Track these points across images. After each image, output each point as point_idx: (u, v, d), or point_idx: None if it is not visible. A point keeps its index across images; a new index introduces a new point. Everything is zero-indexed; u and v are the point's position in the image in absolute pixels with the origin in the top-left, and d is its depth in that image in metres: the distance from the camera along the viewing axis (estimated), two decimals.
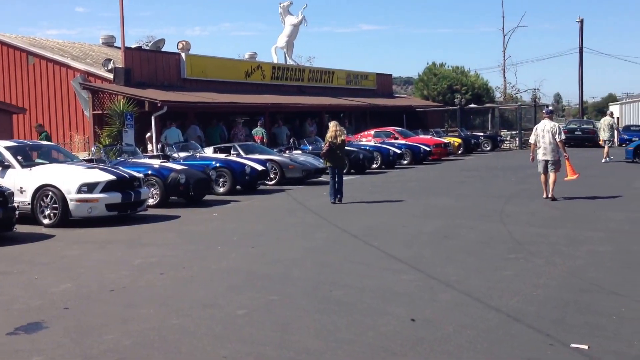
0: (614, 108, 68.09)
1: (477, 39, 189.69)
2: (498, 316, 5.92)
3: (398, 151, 24.78)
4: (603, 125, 25.86)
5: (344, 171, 14.92)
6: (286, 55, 34.60)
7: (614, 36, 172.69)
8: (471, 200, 14.26)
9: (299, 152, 21.30)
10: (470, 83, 46.28)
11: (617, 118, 60.45)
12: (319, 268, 8.00)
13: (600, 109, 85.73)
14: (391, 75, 44.20)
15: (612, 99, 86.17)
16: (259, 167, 16.94)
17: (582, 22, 44.87)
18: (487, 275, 7.43)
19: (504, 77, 49.38)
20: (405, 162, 25.20)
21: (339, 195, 14.22)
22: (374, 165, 23.13)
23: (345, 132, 14.97)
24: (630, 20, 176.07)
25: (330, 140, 14.13)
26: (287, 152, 20.82)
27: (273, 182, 18.33)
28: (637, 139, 37.89)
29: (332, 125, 14.35)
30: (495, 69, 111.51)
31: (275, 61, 33.73)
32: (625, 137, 38.76)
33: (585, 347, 5.06)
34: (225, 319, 5.98)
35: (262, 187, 17.60)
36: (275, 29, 54.25)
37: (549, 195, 13.50)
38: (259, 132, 24.54)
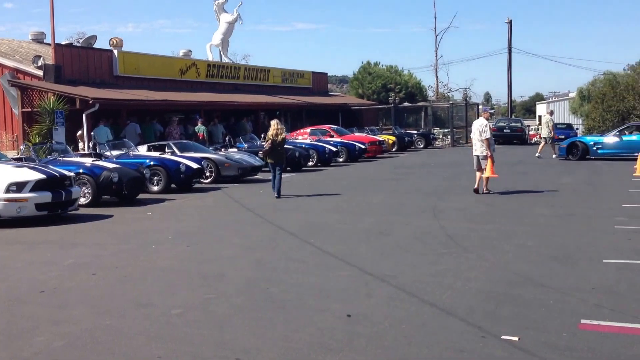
0: (540, 107, 70.20)
1: (410, 38, 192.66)
2: (432, 310, 6.03)
3: (334, 149, 24.96)
4: (543, 123, 26.69)
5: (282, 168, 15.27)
6: (221, 53, 34.31)
7: (541, 37, 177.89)
8: (405, 196, 14.49)
9: (235, 150, 21.17)
10: (404, 82, 46.93)
11: (541, 116, 62.24)
12: (255, 266, 7.98)
13: (528, 108, 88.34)
14: (326, 73, 44.44)
15: (539, 98, 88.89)
16: (194, 165, 16.75)
17: (510, 23, 46.14)
18: (421, 270, 7.56)
19: (436, 77, 50.34)
20: (340, 159, 25.39)
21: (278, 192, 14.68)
22: (310, 163, 23.22)
23: (285, 130, 15.40)
24: (556, 21, 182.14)
25: (272, 137, 14.60)
26: (222, 150, 20.66)
27: (209, 180, 18.17)
28: (564, 136, 39.30)
29: (274, 123, 14.83)
30: (428, 69, 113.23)
31: (210, 59, 33.40)
32: None
33: (516, 338, 5.21)
34: (160, 318, 5.90)
35: (197, 185, 17.41)
36: (210, 26, 53.84)
37: (484, 190, 13.93)
38: (200, 129, 24.41)
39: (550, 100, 70.35)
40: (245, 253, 8.76)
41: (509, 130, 36.58)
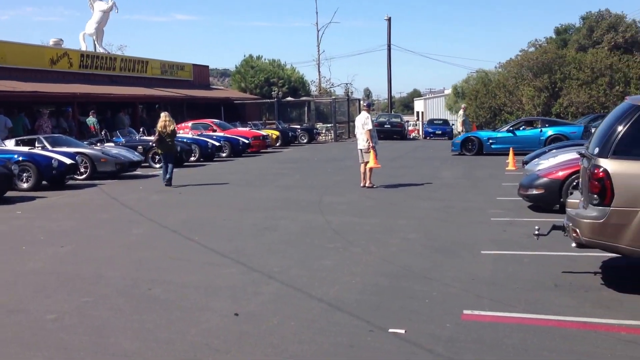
0: (418, 103, 72.47)
1: (293, 33, 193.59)
2: (320, 305, 6.01)
3: (217, 143, 24.54)
4: (458, 119, 26.98)
5: (173, 159, 16.10)
6: (96, 43, 32.93)
7: (419, 35, 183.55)
8: (291, 191, 14.46)
9: (112, 144, 20.33)
10: (287, 76, 46.99)
11: (419, 112, 64.41)
12: (135, 265, 7.66)
13: (407, 104, 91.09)
14: (208, 66, 43.71)
15: (416, 94, 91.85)
16: (68, 161, 15.92)
17: (389, 20, 47.30)
18: (308, 265, 7.54)
19: (319, 72, 50.57)
20: (224, 154, 25.02)
21: (168, 181, 15.47)
22: (192, 158, 22.72)
23: (174, 122, 16.08)
24: (432, 20, 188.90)
25: (160, 129, 15.46)
26: (98, 144, 19.78)
27: (83, 176, 17.35)
28: (440, 132, 40.67)
29: (163, 115, 15.70)
30: (310, 63, 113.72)
31: (83, 49, 31.96)
32: (430, 130, 41.44)
33: (403, 331, 5.27)
34: (34, 324, 5.52)
35: (71, 182, 16.58)
36: (83, 15, 51.46)
37: (365, 184, 14.20)
38: (91, 121, 23.24)
39: (427, 97, 72.90)
40: (124, 253, 8.40)
41: (389, 126, 37.34)
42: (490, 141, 23.52)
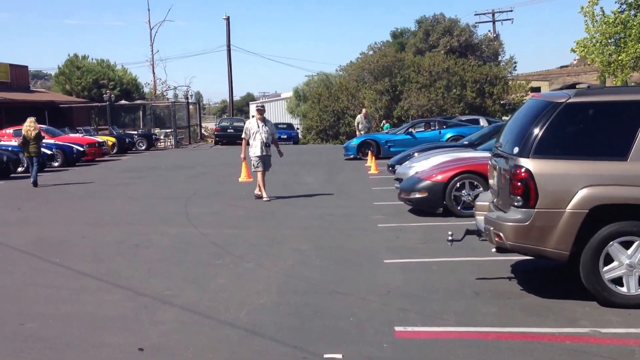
0: (253, 107, 71.61)
1: (123, 31, 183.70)
2: (235, 332, 5.33)
3: (48, 152, 22.25)
4: (356, 123, 25.81)
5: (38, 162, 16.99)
6: None
7: (254, 36, 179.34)
8: (147, 203, 13.35)
9: None
10: (118, 78, 44.24)
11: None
12: None
13: (240, 108, 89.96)
14: (27, 67, 40.37)
15: (250, 98, 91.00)
16: None
17: (228, 19, 46.27)
18: (202, 285, 6.76)
19: (154, 73, 48.01)
20: (56, 164, 22.80)
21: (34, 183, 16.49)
22: (20, 169, 20.39)
23: (37, 126, 17.09)
24: (269, 21, 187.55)
25: (24, 133, 16.65)
26: None
27: None
28: (285, 136, 40.33)
29: (27, 121, 16.82)
30: (144, 64, 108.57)
31: None
32: None
33: (340, 356, 4.76)
34: None
35: None
36: None
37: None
38: None
39: (263, 100, 72.45)
40: None
41: (232, 130, 36.27)
42: (389, 144, 22.32)
